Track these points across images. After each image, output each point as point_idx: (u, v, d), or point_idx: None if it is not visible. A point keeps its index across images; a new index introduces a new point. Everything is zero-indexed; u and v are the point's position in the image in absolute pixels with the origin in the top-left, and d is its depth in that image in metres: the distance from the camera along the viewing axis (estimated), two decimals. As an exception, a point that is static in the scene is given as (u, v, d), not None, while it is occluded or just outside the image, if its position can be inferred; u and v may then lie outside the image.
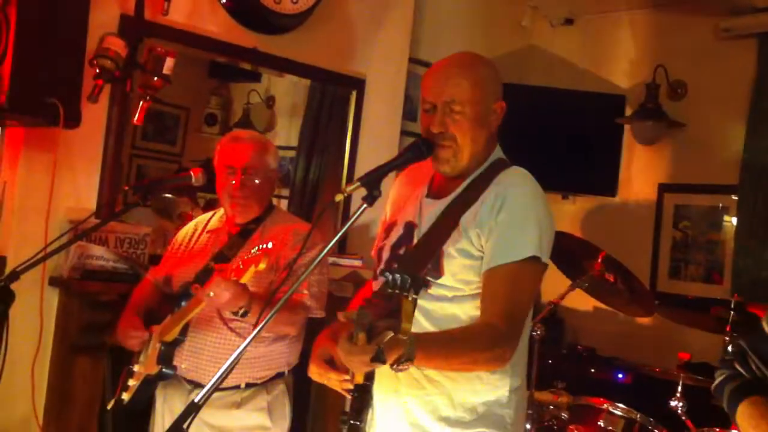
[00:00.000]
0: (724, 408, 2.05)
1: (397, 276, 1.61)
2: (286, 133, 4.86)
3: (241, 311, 2.46)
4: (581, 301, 4.05)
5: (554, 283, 4.05)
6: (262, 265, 2.28)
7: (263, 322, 1.73)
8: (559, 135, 4.81)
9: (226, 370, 1.67)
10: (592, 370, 4.26)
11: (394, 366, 1.70)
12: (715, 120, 4.72)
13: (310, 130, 4.57)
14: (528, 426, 3.35)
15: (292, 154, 4.57)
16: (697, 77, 4.78)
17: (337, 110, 4.42)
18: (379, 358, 1.61)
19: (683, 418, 3.09)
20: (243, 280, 2.36)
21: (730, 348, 3.16)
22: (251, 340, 1.69)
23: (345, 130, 4.34)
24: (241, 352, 1.68)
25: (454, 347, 1.89)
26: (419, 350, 1.72)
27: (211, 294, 2.38)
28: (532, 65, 5.41)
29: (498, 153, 2.13)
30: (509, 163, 2.12)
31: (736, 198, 4.50)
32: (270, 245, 2.33)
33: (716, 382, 2.14)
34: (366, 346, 1.61)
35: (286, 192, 4.61)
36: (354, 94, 4.32)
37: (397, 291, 1.61)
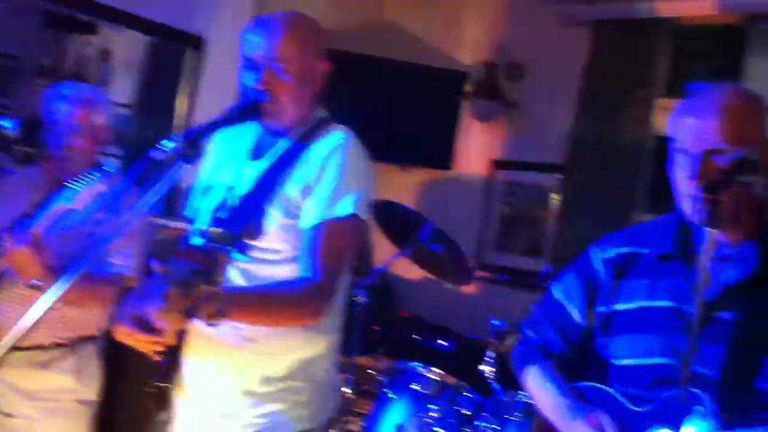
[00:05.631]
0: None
1: (213, 231, 1.64)
2: (122, 90, 4.69)
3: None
4: (410, 269, 4.16)
5: (383, 252, 4.14)
6: None
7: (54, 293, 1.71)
8: (400, 107, 4.88)
9: (22, 331, 1.66)
10: (417, 337, 4.39)
11: (207, 321, 1.70)
12: (548, 102, 4.90)
13: (144, 88, 4.44)
14: (348, 391, 3.44)
15: (127, 111, 4.42)
16: (534, 60, 4.95)
17: (175, 69, 4.31)
18: (192, 312, 1.62)
19: (491, 382, 3.24)
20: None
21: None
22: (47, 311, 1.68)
23: (181, 89, 4.25)
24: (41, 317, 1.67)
25: (271, 301, 1.92)
26: (234, 304, 1.74)
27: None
28: (383, 37, 5.43)
29: (320, 113, 2.13)
30: (332, 122, 2.12)
31: (561, 177, 4.73)
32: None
33: (512, 347, 2.26)
34: (179, 300, 1.60)
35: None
36: (192, 52, 4.22)
37: (211, 246, 1.63)
